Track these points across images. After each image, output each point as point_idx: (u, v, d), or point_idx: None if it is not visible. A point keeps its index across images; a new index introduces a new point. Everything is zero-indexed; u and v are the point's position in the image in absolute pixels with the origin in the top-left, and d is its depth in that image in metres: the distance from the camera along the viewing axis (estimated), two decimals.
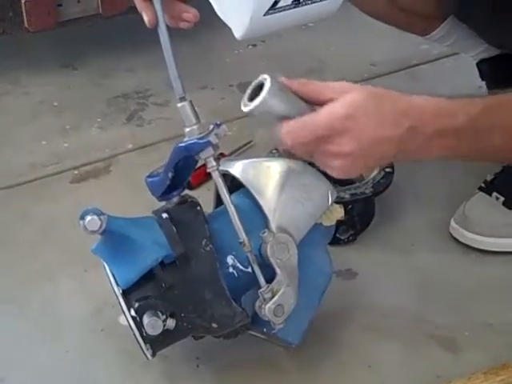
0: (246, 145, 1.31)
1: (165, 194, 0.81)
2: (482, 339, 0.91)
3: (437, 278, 1.01)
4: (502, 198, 1.06)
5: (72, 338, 0.93)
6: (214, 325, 0.80)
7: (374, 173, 1.08)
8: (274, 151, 1.13)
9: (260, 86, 0.81)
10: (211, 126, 0.79)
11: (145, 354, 0.80)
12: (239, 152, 1.29)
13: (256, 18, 0.86)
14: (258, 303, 0.79)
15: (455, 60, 1.49)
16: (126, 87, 1.50)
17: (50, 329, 0.94)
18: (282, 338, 0.83)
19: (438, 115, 0.75)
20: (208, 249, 0.79)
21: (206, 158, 0.78)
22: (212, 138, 0.78)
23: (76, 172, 1.25)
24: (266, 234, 0.78)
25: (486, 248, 1.04)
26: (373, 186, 1.06)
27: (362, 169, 0.80)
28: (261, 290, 0.78)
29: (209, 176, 0.85)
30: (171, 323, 0.78)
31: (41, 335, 0.94)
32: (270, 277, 0.79)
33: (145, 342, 0.78)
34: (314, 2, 0.88)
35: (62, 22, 1.49)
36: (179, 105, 0.82)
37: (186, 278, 0.79)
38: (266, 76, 0.80)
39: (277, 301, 0.78)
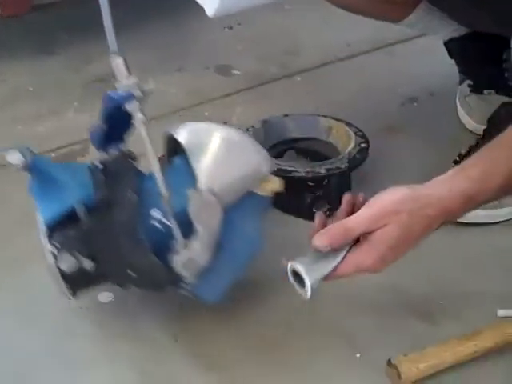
0: None
1: (104, 146, 0.85)
2: (456, 308, 0.92)
3: (413, 249, 1.02)
4: None
5: (52, 317, 0.93)
6: (132, 274, 0.82)
7: (351, 146, 1.08)
8: (250, 129, 1.14)
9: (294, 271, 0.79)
10: (137, 79, 0.83)
11: (65, 294, 0.83)
12: None
13: None
14: (171, 256, 0.80)
15: (430, 39, 1.50)
16: (103, 71, 1.49)
17: (30, 308, 0.95)
18: (198, 295, 0.84)
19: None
20: (132, 199, 0.81)
21: (133, 110, 0.80)
22: (135, 92, 0.80)
23: (53, 155, 1.25)
24: (191, 192, 0.80)
25: (460, 220, 1.05)
26: (348, 160, 1.07)
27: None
28: (175, 244, 0.79)
29: None
30: (89, 264, 0.81)
31: (21, 314, 0.94)
32: (187, 232, 0.80)
33: (64, 281, 0.82)
34: None
35: (37, 6, 1.49)
36: (112, 59, 0.85)
37: (107, 224, 0.81)
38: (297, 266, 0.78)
39: (189, 255, 0.79)
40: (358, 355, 0.87)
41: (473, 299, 0.93)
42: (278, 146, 1.15)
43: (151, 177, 0.82)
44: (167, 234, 0.81)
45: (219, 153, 0.84)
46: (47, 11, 1.54)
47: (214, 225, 0.80)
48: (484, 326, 0.86)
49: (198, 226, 0.80)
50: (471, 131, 1.23)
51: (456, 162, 1.09)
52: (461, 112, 1.28)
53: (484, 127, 1.14)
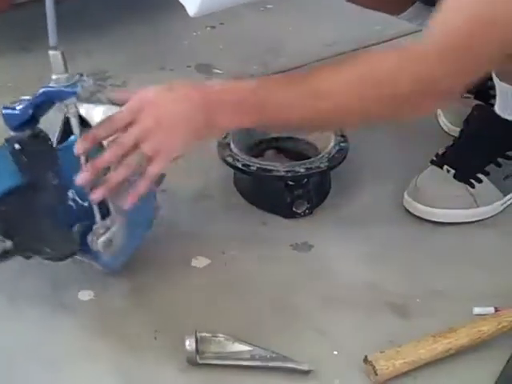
0: None
1: (19, 127, 0.88)
2: (432, 306, 0.94)
3: (390, 248, 1.04)
4: (452, 171, 1.08)
5: (32, 314, 0.93)
6: (48, 249, 0.88)
7: (330, 146, 1.09)
8: None
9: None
10: (77, 77, 0.90)
11: None
12: None
13: None
14: (91, 237, 0.87)
15: (411, 39, 1.52)
16: (83, 69, 1.45)
17: (10, 305, 0.95)
18: (105, 266, 0.93)
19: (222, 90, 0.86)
20: (54, 182, 0.87)
21: (69, 104, 0.86)
22: (79, 90, 0.87)
23: None
24: None
25: (437, 219, 1.07)
26: (328, 160, 1.08)
27: (175, 140, 0.85)
28: (96, 226, 0.87)
29: None
30: (8, 245, 0.87)
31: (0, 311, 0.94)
32: (104, 213, 0.87)
33: None
34: None
35: (17, 4, 1.48)
36: (51, 53, 0.91)
37: (29, 205, 0.86)
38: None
39: (108, 237, 0.87)
40: (335, 352, 0.88)
41: (448, 297, 0.95)
42: (259, 145, 1.16)
43: (68, 158, 0.86)
44: (79, 212, 0.88)
45: None
46: (27, 8, 1.52)
47: (123, 208, 0.86)
48: (459, 323, 0.88)
49: (113, 210, 0.87)
50: (448, 132, 1.24)
51: (433, 162, 1.11)
52: (440, 114, 1.29)
53: (459, 129, 1.16)
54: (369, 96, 0.83)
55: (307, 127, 0.96)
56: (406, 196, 1.09)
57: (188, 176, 1.15)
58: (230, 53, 1.53)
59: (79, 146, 0.84)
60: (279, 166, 1.06)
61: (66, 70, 0.88)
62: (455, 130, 1.20)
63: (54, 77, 0.88)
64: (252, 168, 1.06)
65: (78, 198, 0.89)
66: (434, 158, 1.11)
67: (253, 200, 1.10)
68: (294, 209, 1.07)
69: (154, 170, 0.84)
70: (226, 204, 1.11)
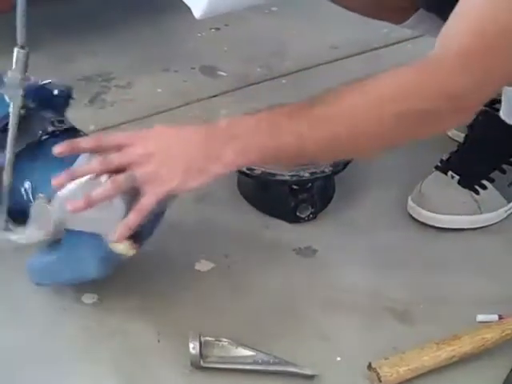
0: None
1: None
2: (436, 312, 0.94)
3: (394, 253, 1.04)
4: (456, 177, 1.08)
5: (35, 317, 0.93)
6: None
7: None
8: None
9: None
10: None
11: None
12: None
13: None
14: None
15: (415, 43, 1.52)
16: (88, 70, 1.49)
17: (13, 308, 0.94)
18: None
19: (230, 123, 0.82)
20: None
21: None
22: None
23: None
24: (39, 196, 0.85)
25: (441, 225, 1.07)
26: (332, 165, 1.08)
27: (172, 173, 0.80)
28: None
29: None
30: None
31: (4, 312, 0.94)
32: None
33: None
34: None
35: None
36: (16, 51, 0.91)
37: None
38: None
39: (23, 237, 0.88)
40: (338, 358, 0.88)
41: (452, 303, 0.95)
42: None
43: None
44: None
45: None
46: (30, 9, 1.52)
47: (47, 228, 0.85)
48: (463, 330, 0.88)
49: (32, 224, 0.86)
50: (452, 138, 1.24)
51: (437, 168, 1.11)
52: None
53: (464, 134, 1.16)
54: (388, 116, 0.78)
55: (322, 156, 0.87)
56: (410, 202, 1.09)
57: None
58: (235, 55, 1.53)
59: (58, 148, 0.82)
60: (283, 170, 1.06)
61: (24, 72, 0.88)
62: (459, 136, 1.20)
63: (9, 74, 0.88)
64: (256, 172, 1.06)
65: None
66: (439, 164, 1.11)
67: (256, 203, 1.10)
68: (297, 213, 1.07)
69: (146, 202, 0.80)
70: (230, 207, 1.11)
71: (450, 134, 1.26)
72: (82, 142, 0.85)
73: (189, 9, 1.11)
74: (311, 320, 0.93)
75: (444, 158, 1.12)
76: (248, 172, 1.06)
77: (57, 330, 0.91)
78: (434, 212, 1.06)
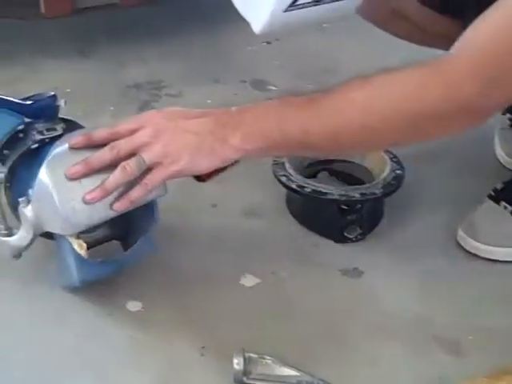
0: None
1: None
2: (485, 344, 0.92)
3: (442, 281, 1.02)
4: (510, 208, 1.06)
5: (80, 323, 0.93)
6: None
7: (386, 172, 1.08)
8: None
9: None
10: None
11: None
12: None
13: (276, 14, 0.86)
14: None
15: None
16: (139, 77, 1.50)
17: (59, 313, 0.95)
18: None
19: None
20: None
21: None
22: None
23: None
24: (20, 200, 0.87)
25: (492, 257, 1.04)
26: (383, 186, 1.07)
27: (180, 153, 0.82)
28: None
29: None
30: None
31: (49, 318, 0.94)
32: None
33: None
34: (333, 1, 0.89)
35: (79, 9, 1.50)
36: None
37: None
38: None
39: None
40: None
41: (503, 337, 0.93)
42: (312, 166, 1.15)
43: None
44: None
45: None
46: (88, 14, 1.54)
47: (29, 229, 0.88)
48: None
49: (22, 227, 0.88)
50: (505, 166, 1.22)
51: (490, 197, 1.09)
52: (497, 144, 1.27)
53: None
54: (397, 114, 0.79)
55: (326, 148, 0.87)
56: (460, 232, 1.06)
57: (240, 192, 1.15)
58: (286, 69, 1.53)
59: (74, 140, 0.85)
60: (334, 190, 1.05)
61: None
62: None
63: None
64: (306, 189, 1.05)
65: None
66: (492, 193, 1.09)
67: (304, 221, 1.10)
68: (345, 233, 1.06)
69: (152, 178, 0.82)
70: (278, 223, 1.10)
71: (502, 161, 1.24)
72: (96, 134, 0.86)
73: (242, 22, 1.11)
74: (356, 344, 0.92)
75: (498, 187, 1.09)
76: (298, 189, 1.05)
77: (101, 336, 0.91)
78: (484, 244, 1.04)
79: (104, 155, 0.84)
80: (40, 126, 0.94)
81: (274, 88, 1.47)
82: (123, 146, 0.83)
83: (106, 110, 1.39)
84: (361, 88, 0.80)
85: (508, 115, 1.26)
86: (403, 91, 0.79)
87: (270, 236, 1.08)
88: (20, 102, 0.95)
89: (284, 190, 1.11)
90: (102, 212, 0.86)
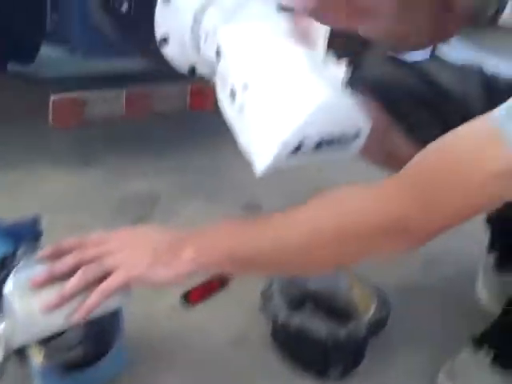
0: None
1: None
2: None
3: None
4: (491, 355, 1.07)
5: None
6: None
7: (371, 311, 1.10)
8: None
9: None
10: None
11: None
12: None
13: (278, 159, 0.91)
14: None
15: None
16: (137, 190, 1.54)
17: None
18: None
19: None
20: None
21: None
22: None
23: None
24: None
25: None
26: (368, 326, 1.08)
27: (137, 259, 0.86)
28: None
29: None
30: None
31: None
32: None
33: None
34: (333, 146, 0.94)
35: (87, 121, 1.55)
36: None
37: None
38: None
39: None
40: None
41: None
42: (300, 297, 1.17)
43: None
44: None
45: None
46: (93, 125, 1.60)
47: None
48: None
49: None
50: (485, 309, 1.24)
51: (473, 340, 1.10)
52: (480, 286, 1.29)
53: (499, 306, 1.15)
54: (331, 237, 0.82)
55: (270, 269, 0.91)
56: (441, 377, 1.07)
57: (227, 319, 1.16)
58: (281, 195, 1.57)
59: (41, 252, 0.88)
60: (319, 328, 1.06)
61: None
62: (493, 307, 1.20)
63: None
64: (292, 326, 1.06)
65: None
66: (473, 338, 1.10)
67: (288, 354, 1.10)
68: (328, 371, 1.07)
69: (109, 283, 0.84)
70: (262, 352, 1.11)
71: (485, 303, 1.26)
72: (64, 243, 0.89)
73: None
74: None
75: (479, 332, 1.11)
76: (284, 325, 1.07)
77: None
78: None
79: (67, 260, 0.86)
80: (22, 251, 0.96)
81: (264, 212, 1.51)
82: (86, 252, 0.87)
83: (101, 221, 1.41)
84: (306, 209, 0.84)
85: (492, 254, 1.29)
86: (340, 211, 0.82)
87: (254, 365, 1.08)
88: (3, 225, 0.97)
89: (271, 322, 1.12)
90: (60, 320, 0.86)
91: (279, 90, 0.89)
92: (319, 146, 0.91)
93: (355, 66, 1.16)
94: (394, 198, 0.80)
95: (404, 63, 1.15)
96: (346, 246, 0.83)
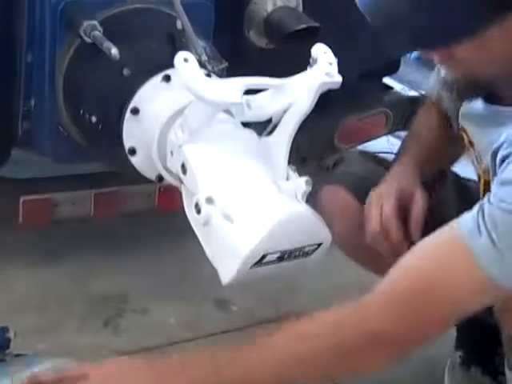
0: None
1: None
2: None
3: None
4: None
5: None
6: None
7: None
8: None
9: None
10: None
11: None
12: None
13: (242, 271, 0.94)
14: None
15: None
16: (107, 289, 1.54)
17: None
18: None
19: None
20: None
21: None
22: None
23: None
24: None
25: None
26: None
27: None
28: None
29: None
30: None
31: None
32: None
33: None
34: (296, 258, 0.97)
35: (55, 220, 1.56)
36: None
37: None
38: None
39: None
40: None
41: None
42: None
43: None
44: None
45: None
46: (62, 224, 1.60)
47: None
48: None
49: None
50: None
51: None
52: (447, 380, 1.31)
53: None
54: (307, 353, 0.83)
55: None
56: None
57: None
58: (248, 289, 1.58)
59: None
60: None
61: None
62: None
63: None
64: None
65: None
66: None
67: None
68: None
69: None
70: None
71: None
72: (42, 376, 0.90)
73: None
74: None
75: None
76: None
77: None
78: None
79: None
80: None
81: (234, 308, 1.52)
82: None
83: (72, 323, 1.41)
84: (282, 333, 0.86)
85: (460, 352, 1.32)
86: (317, 329, 0.85)
87: None
88: None
89: None
90: None
91: (241, 206, 0.93)
92: (282, 258, 0.94)
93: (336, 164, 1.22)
94: (369, 315, 0.83)
95: None
96: (321, 364, 0.84)
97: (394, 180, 1.11)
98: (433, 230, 0.86)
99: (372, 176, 1.17)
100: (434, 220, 0.93)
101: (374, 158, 1.29)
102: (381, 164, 1.22)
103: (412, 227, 1.08)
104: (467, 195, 1.15)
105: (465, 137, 1.04)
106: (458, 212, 0.84)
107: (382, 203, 1.09)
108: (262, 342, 0.86)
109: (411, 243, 1.14)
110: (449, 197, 1.17)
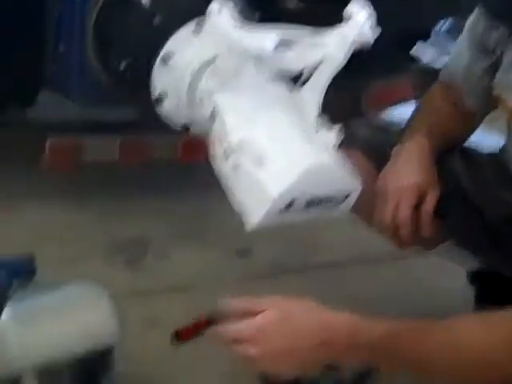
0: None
1: None
2: None
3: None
4: None
5: None
6: None
7: None
8: None
9: None
10: None
11: None
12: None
13: (270, 216, 0.94)
14: None
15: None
16: (130, 233, 1.56)
17: None
18: None
19: (351, 333, 0.83)
20: None
21: None
22: None
23: None
24: None
25: None
26: None
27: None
28: None
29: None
30: None
31: None
32: None
33: None
34: (323, 206, 0.98)
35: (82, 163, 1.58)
36: None
37: None
38: None
39: None
40: None
41: None
42: None
43: None
44: None
45: None
46: (88, 168, 1.61)
47: None
48: None
49: None
50: None
51: None
52: None
53: None
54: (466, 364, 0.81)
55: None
56: None
57: (215, 356, 1.14)
58: (271, 240, 1.59)
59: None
60: None
61: None
62: None
63: None
64: None
65: None
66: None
67: None
68: None
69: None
70: None
71: None
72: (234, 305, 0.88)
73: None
74: None
75: None
76: None
77: None
78: None
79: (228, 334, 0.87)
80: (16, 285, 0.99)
81: (259, 257, 1.53)
82: (233, 333, 0.87)
83: (91, 261, 1.42)
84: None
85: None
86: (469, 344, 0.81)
87: None
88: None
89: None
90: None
91: (272, 151, 0.93)
92: (310, 204, 0.95)
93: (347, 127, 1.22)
94: None
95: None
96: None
97: (412, 168, 1.11)
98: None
99: (379, 139, 1.19)
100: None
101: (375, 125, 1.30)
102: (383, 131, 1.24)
103: (422, 224, 1.11)
104: (476, 167, 1.17)
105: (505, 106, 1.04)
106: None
107: (399, 200, 1.10)
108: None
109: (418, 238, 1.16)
110: (457, 169, 1.18)
